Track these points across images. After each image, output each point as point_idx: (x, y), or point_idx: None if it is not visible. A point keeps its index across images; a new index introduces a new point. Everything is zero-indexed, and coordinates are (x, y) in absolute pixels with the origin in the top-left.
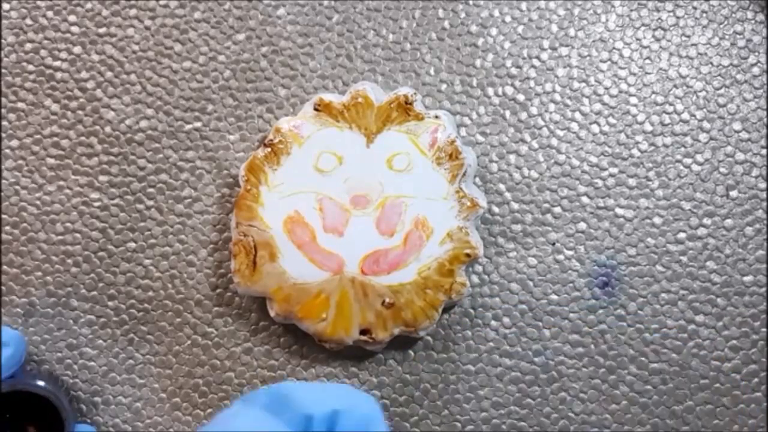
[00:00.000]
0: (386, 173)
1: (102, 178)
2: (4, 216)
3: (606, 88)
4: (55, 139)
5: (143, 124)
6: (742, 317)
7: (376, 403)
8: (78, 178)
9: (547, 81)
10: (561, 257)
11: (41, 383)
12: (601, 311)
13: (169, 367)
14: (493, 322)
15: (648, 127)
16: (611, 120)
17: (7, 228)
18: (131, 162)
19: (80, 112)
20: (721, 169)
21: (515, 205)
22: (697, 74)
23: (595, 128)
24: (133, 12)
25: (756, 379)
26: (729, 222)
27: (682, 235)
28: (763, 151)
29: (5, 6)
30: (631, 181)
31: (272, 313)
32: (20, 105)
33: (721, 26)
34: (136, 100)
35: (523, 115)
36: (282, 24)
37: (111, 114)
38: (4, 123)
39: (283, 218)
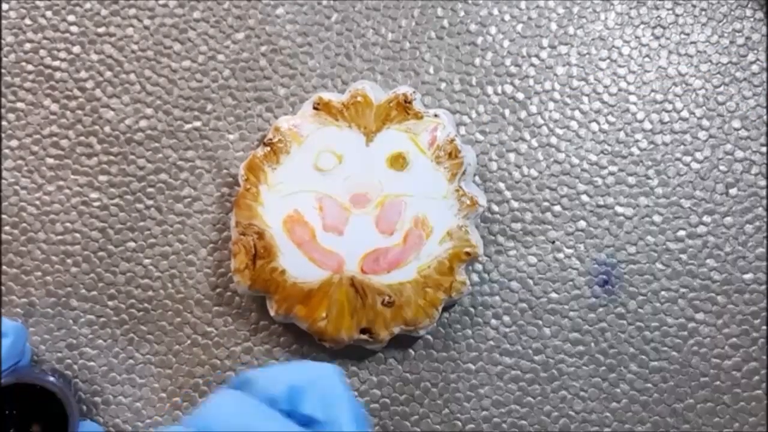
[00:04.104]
0: (386, 172)
1: (101, 177)
2: (4, 216)
3: (605, 87)
4: (55, 139)
5: (143, 123)
6: (743, 315)
7: (336, 371)
8: (77, 177)
9: (547, 79)
10: (561, 255)
11: (48, 378)
12: (601, 309)
13: (169, 366)
14: (493, 321)
15: (647, 126)
16: (610, 118)
17: (7, 228)
18: (131, 162)
19: (79, 111)
20: (721, 167)
21: (515, 204)
22: (696, 72)
23: (594, 126)
24: (132, 11)
25: (756, 377)
26: (729, 220)
27: (681, 233)
28: (763, 149)
29: (4, 6)
30: (631, 180)
31: (272, 313)
32: (19, 105)
33: (720, 24)
34: (135, 99)
35: (523, 114)
36: (281, 23)
37: (110, 114)
38: (4, 123)
39: (282, 217)
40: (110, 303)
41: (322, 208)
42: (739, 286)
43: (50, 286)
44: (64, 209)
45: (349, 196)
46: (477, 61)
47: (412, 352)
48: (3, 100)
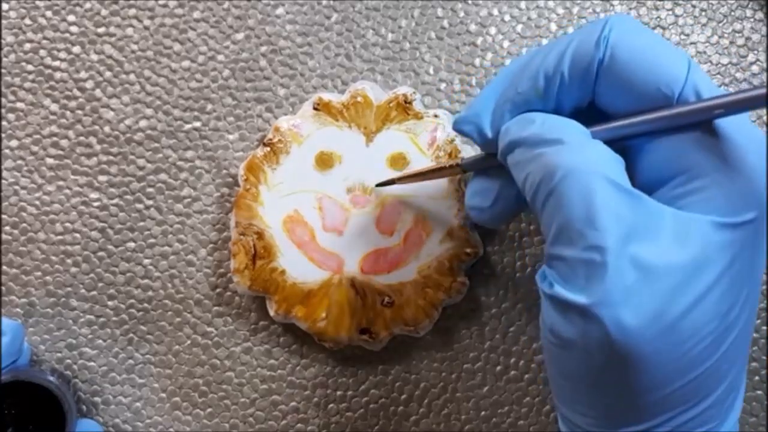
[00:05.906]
0: (386, 172)
1: (101, 177)
2: (3, 216)
3: None
4: (55, 139)
5: (142, 123)
6: None
7: None
8: (77, 178)
9: None
10: None
11: (45, 376)
12: None
13: (169, 366)
14: (493, 321)
15: None
16: None
17: (7, 228)
18: (130, 162)
19: (79, 111)
20: None
21: None
22: None
23: None
24: (132, 11)
25: (756, 377)
26: None
27: None
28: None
29: (4, 6)
30: None
31: (272, 313)
32: (19, 105)
33: (720, 24)
34: (135, 99)
35: None
36: (281, 23)
37: (110, 114)
38: (4, 123)
39: (282, 217)
40: (110, 303)
41: (322, 209)
42: None
43: (50, 286)
44: (64, 209)
45: (349, 197)
46: (477, 61)
47: (412, 352)
48: (3, 100)
